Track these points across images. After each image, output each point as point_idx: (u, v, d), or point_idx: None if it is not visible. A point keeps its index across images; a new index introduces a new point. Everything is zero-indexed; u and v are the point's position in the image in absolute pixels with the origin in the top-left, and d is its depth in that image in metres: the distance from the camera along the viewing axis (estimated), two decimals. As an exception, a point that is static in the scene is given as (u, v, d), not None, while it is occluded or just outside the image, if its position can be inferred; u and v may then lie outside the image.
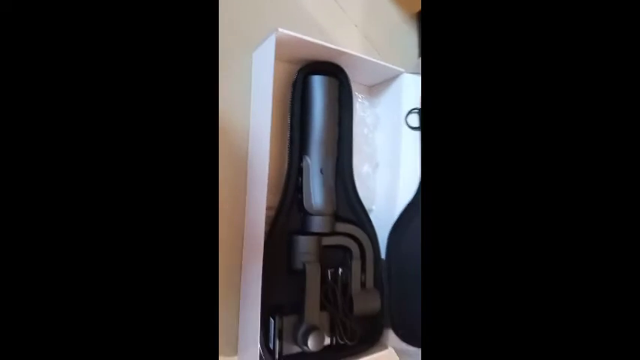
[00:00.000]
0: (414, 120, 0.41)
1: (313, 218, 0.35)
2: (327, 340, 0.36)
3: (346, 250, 0.38)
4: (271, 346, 0.33)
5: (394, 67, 0.40)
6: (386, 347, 0.39)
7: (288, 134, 0.36)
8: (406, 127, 0.41)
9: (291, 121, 0.35)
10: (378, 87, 0.44)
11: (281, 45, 0.32)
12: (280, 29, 0.31)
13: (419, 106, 0.40)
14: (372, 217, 0.40)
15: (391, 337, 0.40)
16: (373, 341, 0.38)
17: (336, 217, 0.37)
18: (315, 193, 0.35)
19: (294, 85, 0.36)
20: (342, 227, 0.37)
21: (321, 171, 0.36)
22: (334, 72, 0.37)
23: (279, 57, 0.36)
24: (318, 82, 0.36)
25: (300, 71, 0.36)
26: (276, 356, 0.33)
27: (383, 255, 0.40)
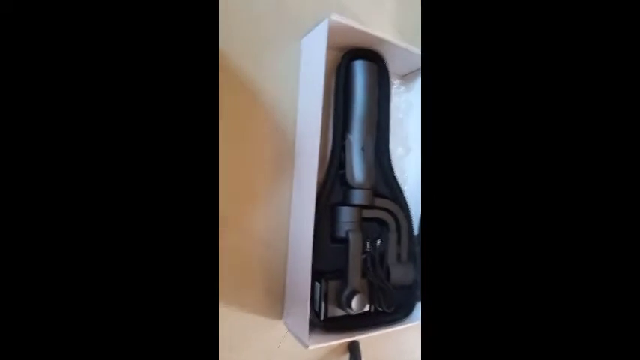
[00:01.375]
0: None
1: (355, 191, 0.38)
2: (367, 307, 0.38)
3: (383, 223, 0.40)
4: (316, 308, 0.35)
5: (428, 55, 0.42)
6: (418, 319, 0.41)
7: (331, 114, 0.39)
8: (438, 112, 0.44)
9: (335, 102, 0.38)
10: (411, 75, 0.47)
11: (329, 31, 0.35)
12: (333, 16, 0.34)
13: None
14: (404, 196, 0.42)
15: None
16: (407, 311, 0.41)
17: (375, 193, 0.40)
18: (357, 169, 0.38)
19: (339, 69, 0.39)
20: (380, 202, 0.40)
21: (363, 149, 0.38)
22: (374, 58, 0.40)
23: (324, 44, 0.39)
24: (360, 67, 0.39)
25: (344, 56, 0.39)
26: (322, 317, 0.35)
27: (415, 231, 0.43)
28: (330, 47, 0.40)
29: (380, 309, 0.38)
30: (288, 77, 0.40)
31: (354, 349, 0.43)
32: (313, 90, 0.36)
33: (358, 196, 0.38)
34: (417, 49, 0.42)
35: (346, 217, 0.37)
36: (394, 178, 0.41)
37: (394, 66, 0.45)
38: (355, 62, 0.39)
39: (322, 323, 0.35)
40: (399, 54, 0.42)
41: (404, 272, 0.40)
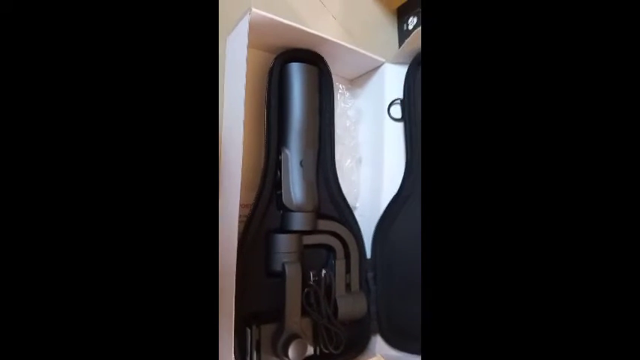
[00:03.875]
0: (397, 111, 0.39)
1: (293, 215, 0.32)
2: (311, 350, 0.33)
3: (329, 249, 0.35)
4: (248, 359, 0.30)
5: (376, 56, 0.38)
6: (374, 354, 0.37)
7: (264, 125, 0.33)
8: (389, 120, 0.39)
9: (267, 111, 0.33)
10: (359, 79, 0.43)
11: (256, 30, 0.30)
12: (254, 9, 0.29)
13: (401, 96, 0.39)
14: (356, 214, 0.37)
15: (379, 343, 0.37)
16: (360, 348, 0.35)
17: (318, 214, 0.34)
18: (295, 188, 0.33)
19: (271, 72, 0.33)
20: (324, 225, 0.34)
21: (301, 164, 0.33)
22: (313, 60, 0.35)
23: (255, 44, 0.34)
24: (296, 70, 0.34)
25: (277, 58, 0.34)
26: (254, 370, 0.29)
27: (368, 255, 0.38)
28: (262, 49, 0.35)
29: (326, 351, 0.33)
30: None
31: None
32: (236, 97, 0.30)
33: (297, 221, 0.32)
34: (365, 51, 0.37)
35: (283, 246, 0.31)
36: (341, 196, 0.36)
37: (340, 69, 0.40)
38: (290, 65, 0.34)
39: (254, 377, 0.29)
40: (345, 56, 0.37)
41: (354, 305, 0.35)
